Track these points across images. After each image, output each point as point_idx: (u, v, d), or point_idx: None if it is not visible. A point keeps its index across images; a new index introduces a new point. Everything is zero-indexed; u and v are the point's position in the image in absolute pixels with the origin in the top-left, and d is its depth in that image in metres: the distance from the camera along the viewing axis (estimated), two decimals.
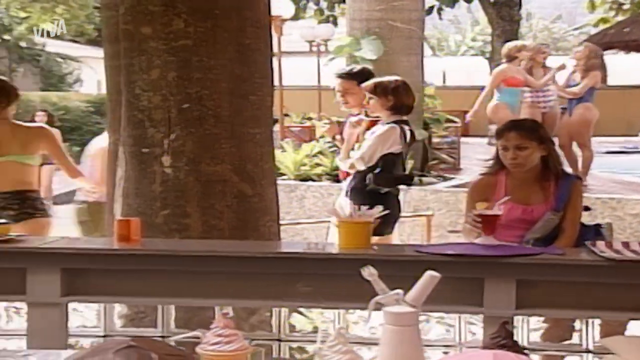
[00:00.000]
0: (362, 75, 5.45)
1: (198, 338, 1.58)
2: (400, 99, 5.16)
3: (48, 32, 23.31)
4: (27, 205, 4.99)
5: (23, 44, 24.12)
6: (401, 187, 5.35)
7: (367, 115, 5.34)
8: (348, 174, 5.35)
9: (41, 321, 3.25)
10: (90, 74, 25.42)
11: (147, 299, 3.40)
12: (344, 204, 4.91)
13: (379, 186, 5.12)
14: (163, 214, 3.90)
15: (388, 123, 5.15)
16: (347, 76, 5.52)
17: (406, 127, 5.21)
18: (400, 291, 1.61)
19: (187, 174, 3.87)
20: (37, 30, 23.38)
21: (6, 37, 23.25)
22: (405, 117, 5.26)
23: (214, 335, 1.53)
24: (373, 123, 5.26)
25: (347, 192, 5.25)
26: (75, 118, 18.95)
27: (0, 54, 22.56)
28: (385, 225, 4.72)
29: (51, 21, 22.56)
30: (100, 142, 5.85)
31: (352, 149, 5.28)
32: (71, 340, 3.34)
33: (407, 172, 5.65)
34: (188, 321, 3.49)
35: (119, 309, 3.60)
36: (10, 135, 5.01)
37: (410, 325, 1.54)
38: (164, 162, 3.86)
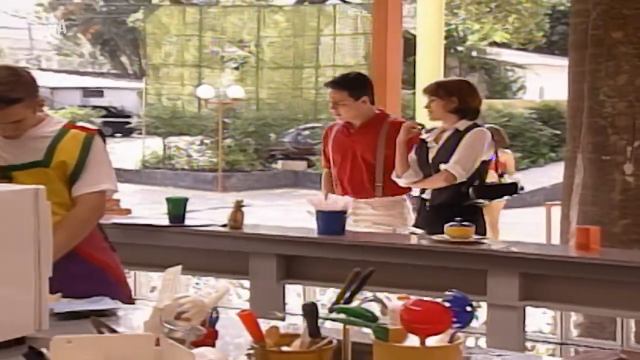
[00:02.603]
0: (354, 84, 4.47)
1: None
2: (465, 101, 4.22)
3: (498, 42, 23.93)
4: None
5: (474, 53, 25.08)
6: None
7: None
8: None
9: (500, 322, 3.35)
10: (534, 81, 25.52)
11: (605, 310, 3.32)
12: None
13: (483, 199, 4.18)
14: (622, 223, 3.78)
15: (473, 127, 4.21)
16: (336, 85, 4.51)
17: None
18: None
19: None
20: (489, 41, 24.13)
21: (459, 48, 24.37)
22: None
23: None
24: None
25: (425, 209, 4.24)
26: (518, 125, 19.16)
27: (452, 64, 23.67)
28: None
29: (502, 30, 23.12)
30: None
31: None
32: (527, 344, 3.39)
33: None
34: None
35: (574, 317, 3.56)
36: None
37: None
38: (626, 170, 3.74)
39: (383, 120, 4.46)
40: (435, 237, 3.60)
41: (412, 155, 4.27)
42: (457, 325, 1.64)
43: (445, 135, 4.17)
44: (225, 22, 20.10)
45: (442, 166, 4.08)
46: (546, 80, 25.13)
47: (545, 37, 25.04)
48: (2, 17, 30.51)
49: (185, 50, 19.88)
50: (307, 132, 20.58)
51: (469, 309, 1.65)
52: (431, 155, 4.19)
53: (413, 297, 1.70)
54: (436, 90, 4.20)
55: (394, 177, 4.31)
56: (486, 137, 4.12)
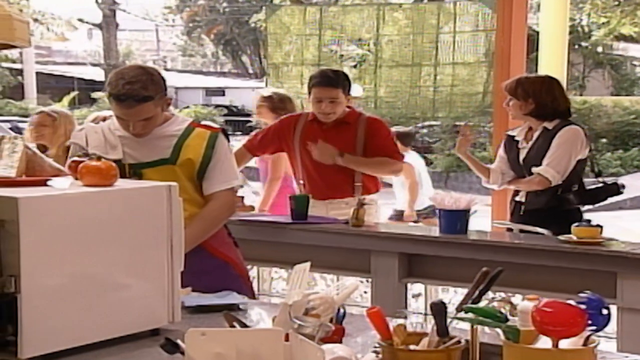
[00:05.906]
0: (345, 82, 4.32)
1: None
2: (542, 104, 3.92)
3: (626, 36, 23.06)
4: None
5: (599, 49, 24.27)
6: None
7: None
8: None
9: (632, 327, 3.24)
10: None
11: None
12: None
13: (587, 204, 3.89)
14: None
15: (563, 125, 3.90)
16: (334, 83, 4.28)
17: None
18: None
19: None
20: (616, 35, 23.29)
21: (584, 43, 23.62)
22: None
23: None
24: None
25: (519, 213, 3.99)
26: None
27: (575, 60, 22.97)
28: None
29: (631, 24, 22.26)
30: None
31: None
32: None
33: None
34: None
35: None
36: None
37: None
38: None
39: (358, 117, 4.34)
40: (561, 237, 3.51)
41: (501, 153, 4.14)
42: (592, 328, 1.60)
43: (535, 134, 3.98)
44: (345, 21, 20.19)
45: (535, 169, 3.89)
46: None
47: None
48: (132, 20, 31.60)
49: (305, 49, 20.06)
50: (425, 130, 20.44)
51: (605, 311, 1.60)
52: (522, 155, 4.02)
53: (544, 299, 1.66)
54: (515, 90, 3.98)
55: (484, 184, 4.19)
56: (579, 135, 3.90)
